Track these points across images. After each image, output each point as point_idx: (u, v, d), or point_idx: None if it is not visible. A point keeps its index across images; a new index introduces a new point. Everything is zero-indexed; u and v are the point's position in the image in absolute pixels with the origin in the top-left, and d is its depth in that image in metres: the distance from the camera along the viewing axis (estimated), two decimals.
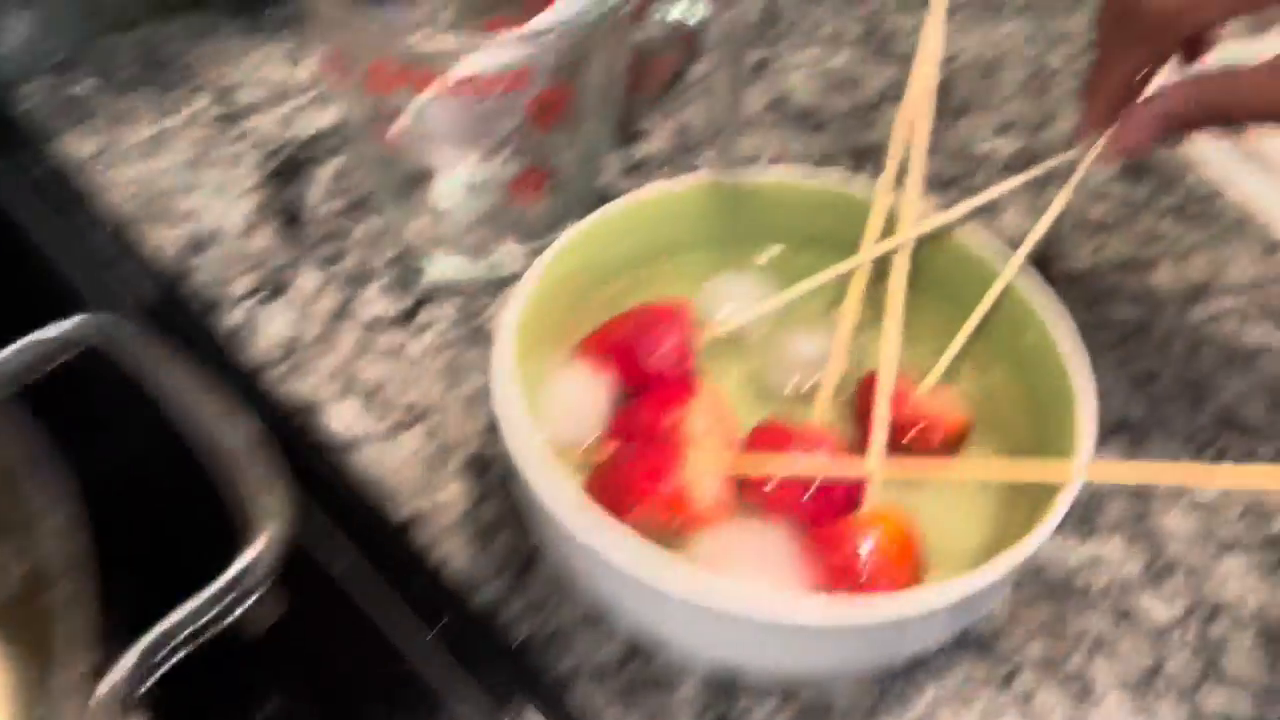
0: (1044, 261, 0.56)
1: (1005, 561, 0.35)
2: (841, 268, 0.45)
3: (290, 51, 0.65)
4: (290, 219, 0.56)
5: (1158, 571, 0.45)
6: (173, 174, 0.58)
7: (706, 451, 0.40)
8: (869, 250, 0.45)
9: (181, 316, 0.52)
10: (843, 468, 0.40)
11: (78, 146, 0.59)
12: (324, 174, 0.59)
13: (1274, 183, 0.62)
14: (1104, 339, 0.54)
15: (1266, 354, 0.53)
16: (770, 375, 0.46)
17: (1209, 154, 0.64)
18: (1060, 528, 0.45)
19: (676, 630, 0.38)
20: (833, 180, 0.48)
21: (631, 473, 0.39)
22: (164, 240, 0.55)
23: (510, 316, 0.41)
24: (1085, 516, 0.46)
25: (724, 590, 0.34)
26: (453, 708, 0.39)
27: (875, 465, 0.40)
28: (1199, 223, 0.60)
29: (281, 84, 0.63)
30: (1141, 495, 0.47)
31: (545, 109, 0.46)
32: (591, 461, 0.42)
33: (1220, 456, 0.49)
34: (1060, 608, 0.43)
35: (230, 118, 0.61)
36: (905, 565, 0.38)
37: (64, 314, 0.44)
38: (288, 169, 0.59)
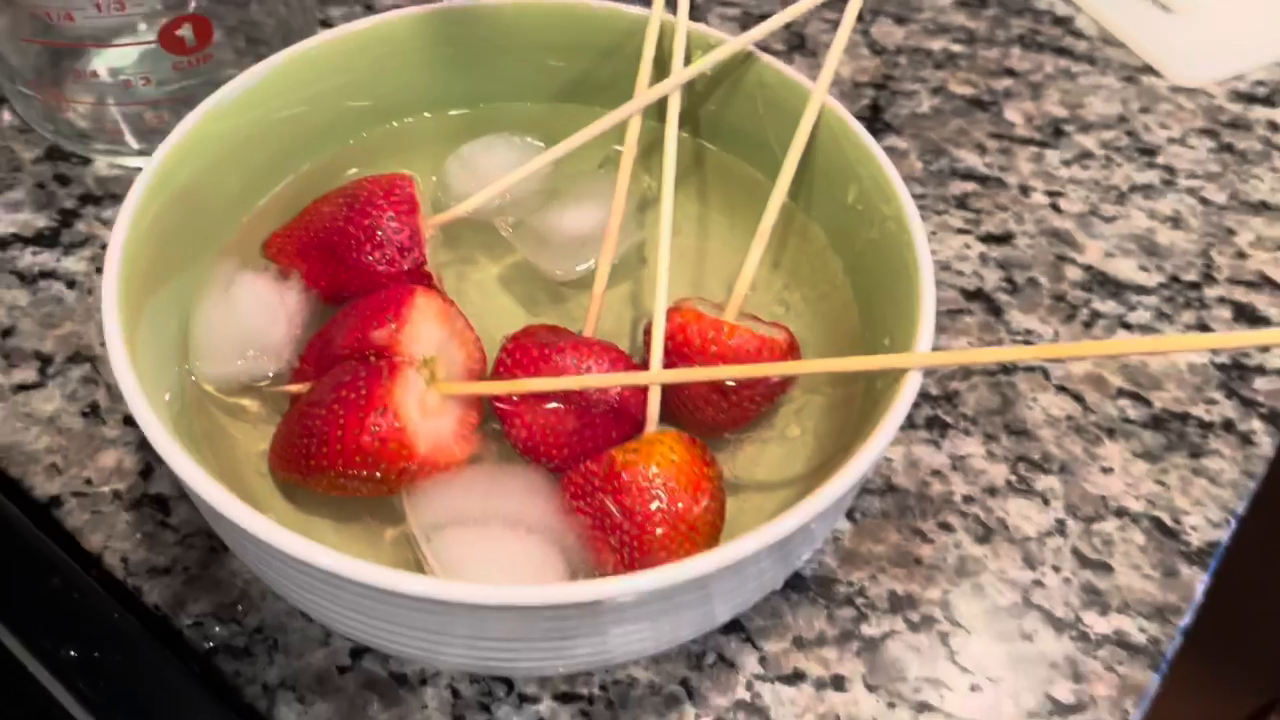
0: (876, 108, 0.47)
1: (825, 494, 0.25)
2: (607, 120, 0.34)
3: None
4: None
5: (1027, 471, 0.36)
6: None
7: (430, 378, 0.29)
8: (643, 94, 0.34)
9: None
10: (609, 380, 0.29)
11: None
12: None
13: None
14: (949, 194, 0.44)
15: (1137, 196, 0.45)
16: (540, 265, 0.35)
17: None
18: (912, 430, 0.37)
19: (364, 628, 0.27)
20: (596, 4, 0.36)
21: (323, 416, 0.28)
22: None
23: (124, 218, 0.29)
24: (940, 412, 0.37)
25: (400, 578, 0.23)
26: None
27: (656, 374, 0.30)
28: (1052, 51, 0.51)
29: None
30: (1004, 381, 0.38)
31: None
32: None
33: (1093, 322, 0.41)
34: (913, 528, 0.34)
35: None
36: (694, 503, 0.28)
37: None
38: None
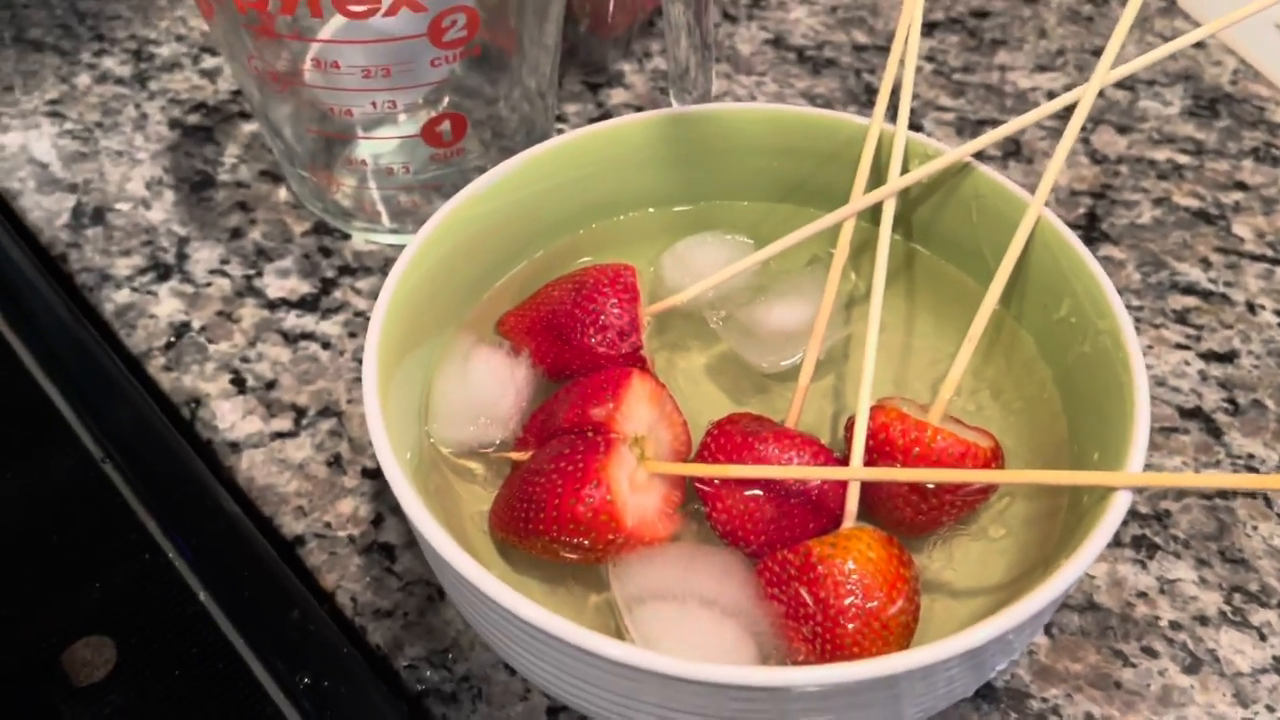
0: (1093, 217, 0.46)
1: (1026, 606, 0.25)
2: (824, 222, 0.35)
3: None
4: (200, 184, 0.49)
5: (1243, 602, 0.35)
6: (66, 138, 0.51)
7: (640, 455, 0.31)
8: (859, 199, 0.36)
9: (65, 296, 0.44)
10: (810, 472, 0.30)
11: None
12: (244, 134, 0.51)
13: None
14: (1168, 307, 0.43)
15: None
16: (747, 358, 0.37)
17: None
18: (1117, 547, 0.36)
19: (563, 685, 0.28)
20: (819, 113, 0.38)
21: (542, 484, 0.31)
22: (48, 212, 0.47)
23: (387, 289, 0.32)
24: (1149, 532, 0.36)
25: (612, 645, 0.25)
26: None
27: (857, 470, 0.30)
28: None
29: (204, 38, 0.56)
30: (1221, 505, 0.37)
31: (453, 31, 0.37)
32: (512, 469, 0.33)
33: None
34: (1114, 650, 0.33)
35: (142, 76, 0.54)
36: (890, 603, 0.28)
37: None
38: (202, 129, 0.51)
